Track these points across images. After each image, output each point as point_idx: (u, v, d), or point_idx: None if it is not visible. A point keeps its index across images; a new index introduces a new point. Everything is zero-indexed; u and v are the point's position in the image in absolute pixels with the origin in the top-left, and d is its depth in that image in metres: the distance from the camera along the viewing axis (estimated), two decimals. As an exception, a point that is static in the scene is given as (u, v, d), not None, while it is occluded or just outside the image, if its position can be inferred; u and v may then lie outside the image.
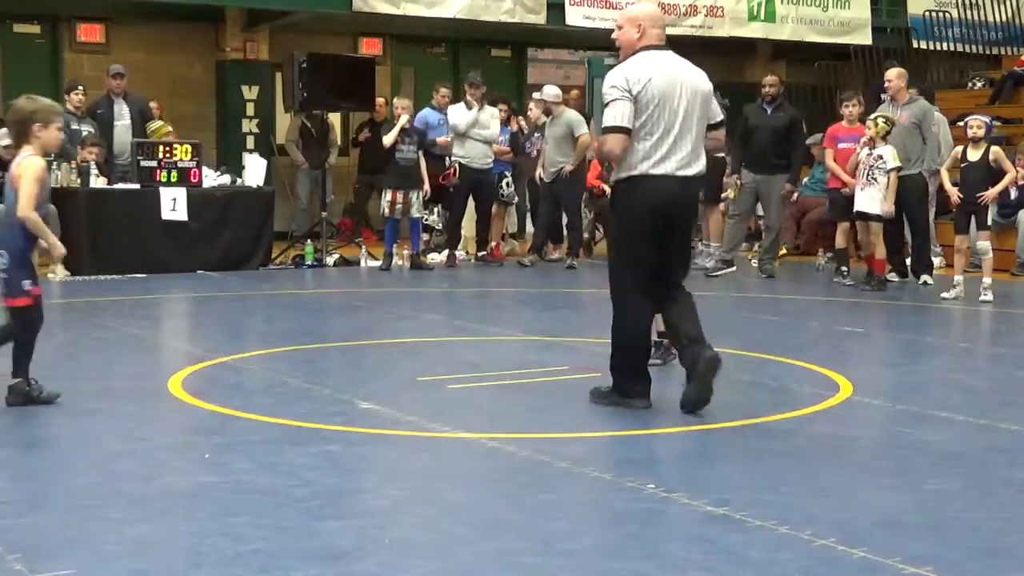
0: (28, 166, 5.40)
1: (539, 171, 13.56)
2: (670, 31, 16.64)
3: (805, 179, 15.93)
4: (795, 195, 13.75)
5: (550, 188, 13.42)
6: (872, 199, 10.95)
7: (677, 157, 5.75)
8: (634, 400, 5.86)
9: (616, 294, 5.95)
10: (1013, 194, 12.93)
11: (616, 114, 5.70)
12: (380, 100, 14.97)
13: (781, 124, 12.46)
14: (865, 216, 11.04)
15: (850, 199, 11.32)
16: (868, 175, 10.96)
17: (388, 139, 12.80)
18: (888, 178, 10.92)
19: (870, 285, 11.08)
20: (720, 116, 6.06)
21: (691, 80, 5.85)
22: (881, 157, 10.91)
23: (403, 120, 12.72)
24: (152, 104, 13.89)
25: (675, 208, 5.82)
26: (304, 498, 4.32)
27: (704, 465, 4.99)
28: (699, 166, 5.86)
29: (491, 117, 13.52)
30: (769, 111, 12.56)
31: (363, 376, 6.67)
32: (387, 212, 12.89)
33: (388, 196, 12.79)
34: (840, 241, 11.71)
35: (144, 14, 15.72)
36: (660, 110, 5.72)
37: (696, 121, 5.82)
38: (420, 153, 12.93)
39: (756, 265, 12.82)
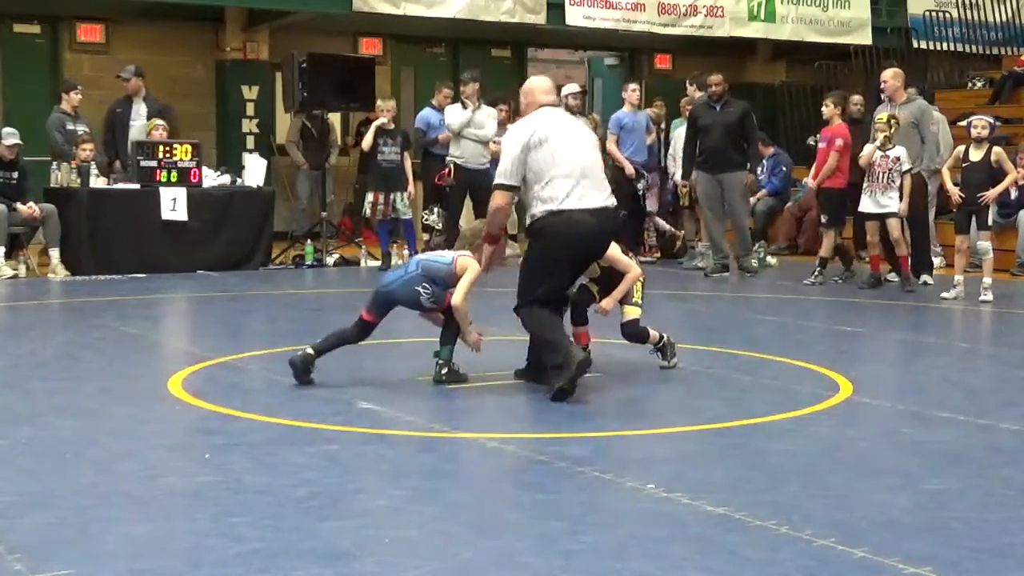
0: (474, 268, 6.50)
1: None
2: (670, 31, 17.17)
3: (807, 178, 15.98)
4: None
5: None
6: (893, 200, 10.97)
7: (578, 191, 6.22)
8: (571, 354, 6.04)
9: (524, 309, 6.36)
10: (1013, 194, 12.93)
11: (502, 171, 6.34)
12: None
13: (734, 119, 12.48)
14: (885, 216, 11.02)
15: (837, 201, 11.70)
16: (887, 177, 10.97)
17: (366, 142, 12.82)
18: (903, 179, 10.99)
19: (905, 286, 11.09)
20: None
21: (575, 126, 6.58)
22: (899, 159, 10.95)
23: (379, 121, 12.72)
24: (170, 106, 13.85)
25: (589, 238, 6.33)
26: (304, 498, 4.32)
27: (704, 465, 4.99)
28: (603, 198, 6.36)
29: (487, 117, 13.47)
30: (718, 108, 12.56)
31: (363, 376, 6.67)
32: (369, 213, 12.93)
33: (370, 197, 12.82)
34: (828, 241, 11.91)
35: (144, 14, 15.72)
36: (551, 151, 6.24)
37: (589, 159, 6.39)
38: (406, 154, 12.92)
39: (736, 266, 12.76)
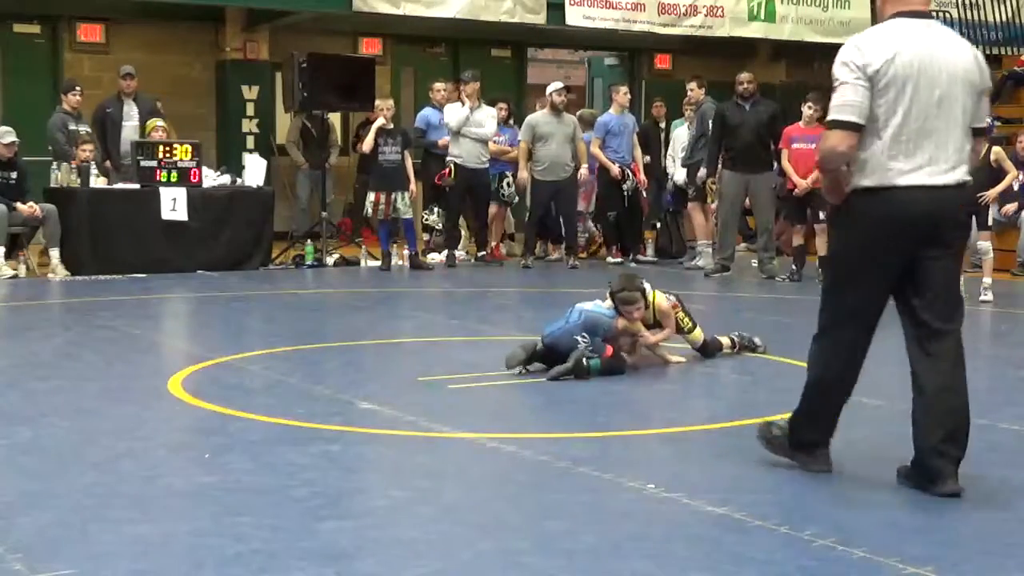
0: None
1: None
2: (670, 31, 17.16)
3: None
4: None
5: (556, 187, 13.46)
6: None
7: (925, 159, 4.42)
8: (802, 455, 4.82)
9: (818, 323, 4.80)
10: (1016, 186, 12.86)
11: (841, 103, 4.41)
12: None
13: (764, 118, 12.44)
14: None
15: (802, 201, 11.75)
16: None
17: (366, 144, 12.81)
18: None
19: None
20: (985, 121, 4.66)
21: (953, 60, 4.52)
22: None
23: (379, 122, 12.70)
24: (157, 103, 13.88)
25: (921, 229, 4.44)
26: (304, 498, 4.32)
27: (704, 465, 4.99)
28: (958, 172, 4.47)
29: (487, 116, 13.45)
30: (748, 107, 12.52)
31: (363, 376, 6.67)
32: (370, 213, 12.92)
33: (371, 197, 12.80)
34: (798, 240, 12.17)
35: (144, 14, 15.72)
36: (902, 96, 4.39)
37: (958, 113, 4.47)
38: (406, 153, 12.91)
39: (756, 266, 12.80)
